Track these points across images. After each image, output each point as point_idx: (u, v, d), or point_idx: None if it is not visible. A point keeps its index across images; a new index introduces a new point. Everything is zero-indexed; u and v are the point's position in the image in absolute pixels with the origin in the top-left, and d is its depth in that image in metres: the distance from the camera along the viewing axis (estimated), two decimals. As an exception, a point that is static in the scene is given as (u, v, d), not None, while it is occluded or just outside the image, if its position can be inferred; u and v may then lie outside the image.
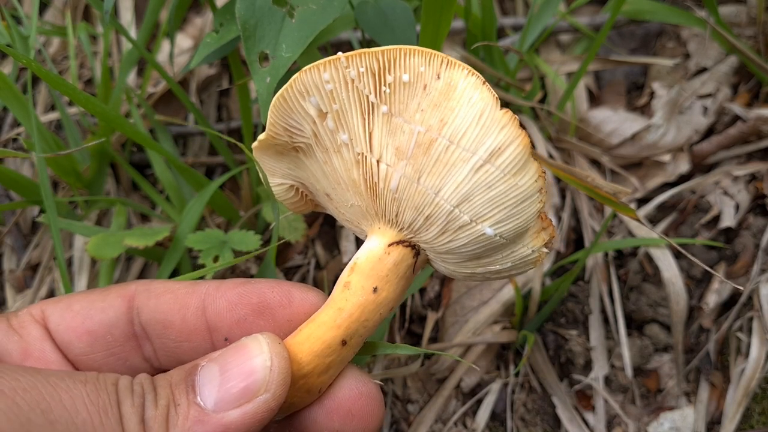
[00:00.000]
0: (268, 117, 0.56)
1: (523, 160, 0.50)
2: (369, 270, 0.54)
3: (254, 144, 0.59)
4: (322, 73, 0.52)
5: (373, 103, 0.52)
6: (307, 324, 0.53)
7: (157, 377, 0.48)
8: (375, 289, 0.54)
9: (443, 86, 0.51)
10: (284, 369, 0.48)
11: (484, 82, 0.50)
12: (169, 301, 0.55)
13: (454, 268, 0.59)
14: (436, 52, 0.51)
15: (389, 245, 0.55)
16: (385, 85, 0.52)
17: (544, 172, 0.53)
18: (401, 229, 0.55)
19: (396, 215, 0.55)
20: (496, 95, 0.50)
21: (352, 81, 0.52)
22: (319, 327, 0.52)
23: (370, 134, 0.53)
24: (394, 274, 0.55)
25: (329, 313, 0.53)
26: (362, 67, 0.51)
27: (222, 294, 0.55)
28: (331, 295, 0.54)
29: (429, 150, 0.51)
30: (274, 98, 0.55)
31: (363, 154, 0.54)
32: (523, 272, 0.60)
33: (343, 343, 0.52)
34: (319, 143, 0.56)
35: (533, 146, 0.56)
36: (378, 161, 0.53)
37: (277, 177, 0.63)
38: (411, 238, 0.56)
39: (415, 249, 0.56)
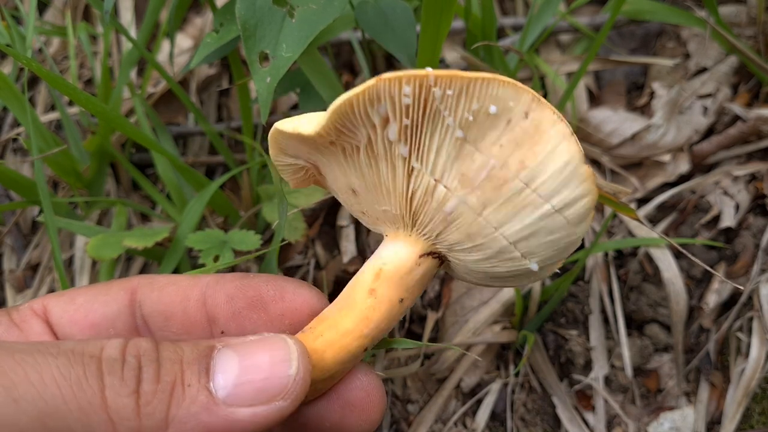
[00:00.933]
0: (327, 118, 0.52)
1: (589, 213, 0.51)
2: (398, 280, 0.53)
3: (289, 128, 0.54)
4: (404, 86, 0.49)
5: (448, 125, 0.50)
6: (326, 329, 0.51)
7: (162, 347, 0.44)
8: (401, 300, 0.53)
9: (530, 127, 0.49)
10: (307, 382, 0.46)
11: (572, 133, 0.49)
12: (171, 293, 0.55)
13: (473, 279, 0.58)
14: (525, 87, 0.49)
15: (420, 256, 0.54)
16: (468, 112, 0.49)
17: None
18: (436, 243, 0.54)
19: (439, 234, 0.53)
20: (581, 148, 0.50)
21: (434, 100, 0.50)
22: (344, 336, 0.51)
23: (436, 153, 0.51)
24: (420, 285, 0.54)
25: (354, 321, 0.51)
26: (450, 90, 0.49)
27: (222, 287, 0.55)
28: (350, 298, 0.52)
29: (501, 187, 0.50)
30: (340, 101, 0.51)
31: (420, 170, 0.52)
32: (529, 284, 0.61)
33: (365, 350, 0.52)
34: (370, 148, 0.53)
35: None
36: (437, 181, 0.52)
37: (289, 157, 0.60)
38: (444, 252, 0.54)
39: (442, 259, 0.55)
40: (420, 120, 0.50)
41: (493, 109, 0.49)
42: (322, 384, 0.51)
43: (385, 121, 0.51)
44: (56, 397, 0.39)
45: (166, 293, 0.55)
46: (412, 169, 0.52)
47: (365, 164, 0.54)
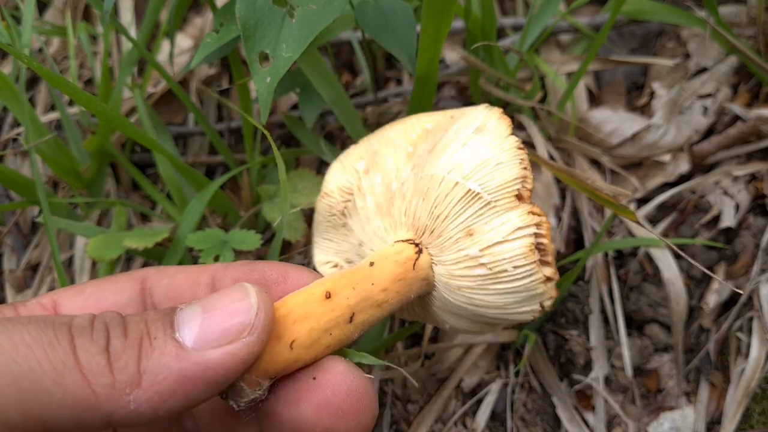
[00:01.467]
0: (326, 179, 0.72)
1: (501, 131, 0.60)
2: (371, 256, 0.59)
3: (314, 218, 0.73)
4: (372, 141, 0.70)
5: (403, 148, 0.66)
6: None
7: (128, 315, 0.46)
8: (371, 264, 0.57)
9: (455, 120, 0.64)
10: (269, 314, 0.48)
11: (486, 106, 0.64)
12: (182, 279, 0.57)
13: (452, 263, 0.60)
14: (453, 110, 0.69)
15: (395, 242, 0.61)
16: (414, 134, 0.67)
17: (525, 150, 0.60)
18: (408, 229, 0.61)
19: (405, 213, 0.62)
20: (494, 109, 0.63)
21: (391, 138, 0.68)
22: (307, 286, 0.55)
23: (397, 169, 0.65)
24: (393, 259, 0.58)
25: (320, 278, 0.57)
26: (401, 127, 0.68)
27: (229, 271, 0.57)
28: None
29: (434, 149, 0.62)
30: (335, 164, 0.73)
31: (390, 183, 0.65)
32: (527, 299, 0.61)
33: (327, 295, 0.54)
34: (359, 192, 0.67)
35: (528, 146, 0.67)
36: (402, 183, 0.64)
37: (330, 254, 0.73)
38: (415, 238, 0.61)
39: (418, 247, 0.60)
40: (385, 154, 0.68)
41: (429, 125, 0.69)
42: (277, 325, 0.52)
43: (366, 170, 0.68)
44: (29, 359, 0.40)
45: (177, 280, 0.57)
46: (387, 186, 0.65)
47: (360, 207, 0.67)
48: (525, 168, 0.59)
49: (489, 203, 0.58)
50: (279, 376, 0.53)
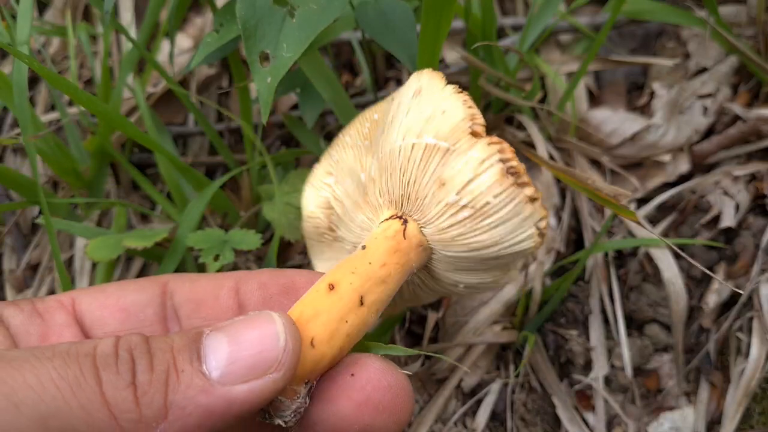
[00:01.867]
0: (304, 205, 0.76)
1: (436, 85, 0.62)
2: (367, 241, 0.61)
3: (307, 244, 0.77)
4: (332, 153, 0.73)
5: (360, 145, 0.69)
6: None
7: (153, 339, 0.46)
8: (363, 247, 0.59)
9: (395, 99, 0.66)
10: (297, 349, 0.48)
11: (417, 72, 0.65)
12: (205, 283, 0.57)
13: (437, 217, 0.63)
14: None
15: (380, 222, 0.63)
16: (365, 128, 0.69)
17: (466, 94, 0.61)
18: (388, 207, 0.64)
19: (380, 194, 0.64)
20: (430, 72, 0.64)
21: (347, 142, 0.71)
22: (313, 285, 0.56)
23: (361, 164, 0.67)
24: (382, 237, 0.60)
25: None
26: (352, 129, 0.71)
27: (255, 276, 0.57)
28: None
29: (385, 129, 0.64)
30: (306, 188, 0.76)
31: (358, 178, 0.67)
32: (519, 224, 0.62)
33: (330, 287, 0.54)
34: (336, 201, 0.71)
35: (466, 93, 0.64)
36: (368, 171, 0.65)
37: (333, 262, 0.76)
38: (397, 212, 0.63)
39: (402, 218, 0.62)
40: (345, 157, 0.72)
41: (375, 116, 0.70)
42: (300, 325, 0.52)
43: (336, 181, 0.71)
44: (56, 399, 0.40)
45: (200, 284, 0.57)
46: (358, 185, 0.67)
47: (341, 213, 0.71)
48: (470, 107, 0.60)
49: (448, 150, 0.60)
50: (313, 379, 0.52)
